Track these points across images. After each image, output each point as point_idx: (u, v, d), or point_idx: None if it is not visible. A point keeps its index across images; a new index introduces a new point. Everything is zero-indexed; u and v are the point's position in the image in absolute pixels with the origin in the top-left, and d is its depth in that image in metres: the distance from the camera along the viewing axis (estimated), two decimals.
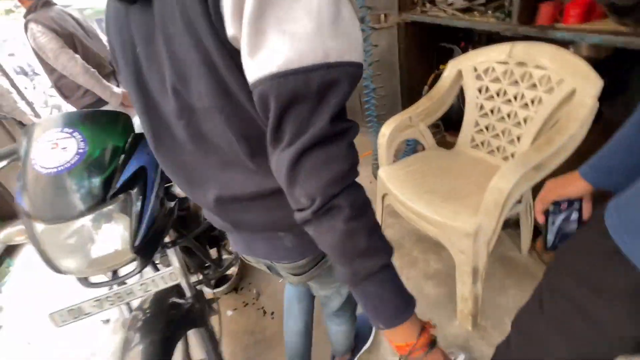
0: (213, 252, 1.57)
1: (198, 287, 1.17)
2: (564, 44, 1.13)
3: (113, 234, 0.74)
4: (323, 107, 0.38)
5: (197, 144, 0.52)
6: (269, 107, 0.38)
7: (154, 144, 0.58)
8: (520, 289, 1.40)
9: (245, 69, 0.39)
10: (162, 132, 0.55)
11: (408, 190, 1.30)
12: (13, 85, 2.68)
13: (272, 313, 1.57)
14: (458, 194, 1.22)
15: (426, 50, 2.06)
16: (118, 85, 1.97)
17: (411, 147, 2.19)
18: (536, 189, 0.87)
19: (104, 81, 1.82)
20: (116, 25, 0.51)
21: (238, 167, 0.52)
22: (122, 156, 0.77)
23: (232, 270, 1.80)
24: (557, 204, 0.69)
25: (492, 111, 1.37)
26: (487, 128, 1.41)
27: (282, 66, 0.35)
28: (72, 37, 1.72)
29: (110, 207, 0.72)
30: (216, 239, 1.56)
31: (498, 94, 1.33)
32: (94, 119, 0.78)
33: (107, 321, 1.74)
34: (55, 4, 1.78)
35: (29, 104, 2.81)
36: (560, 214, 0.70)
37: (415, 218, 1.26)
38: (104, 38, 2.01)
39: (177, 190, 0.87)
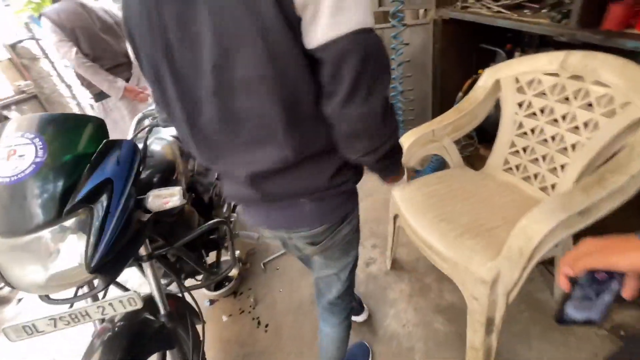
0: (213, 256, 1.53)
1: (192, 292, 1.12)
2: (636, 56, 0.90)
3: (69, 253, 0.68)
4: (385, 65, 0.52)
5: (228, 124, 0.56)
6: (345, 62, 0.47)
7: (188, 127, 0.59)
8: (547, 341, 1.19)
9: (320, 30, 0.46)
10: (196, 114, 0.57)
11: (421, 215, 1.14)
12: (54, 68, 2.81)
13: (267, 326, 1.49)
14: (479, 228, 1.04)
15: (465, 52, 1.82)
16: (129, 78, 1.99)
17: (439, 160, 1.98)
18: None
19: (104, 74, 1.86)
20: (142, 14, 0.51)
21: (266, 143, 0.57)
22: (87, 166, 0.70)
23: (233, 273, 1.75)
24: (592, 271, 0.50)
25: (532, 131, 1.16)
26: (524, 150, 1.20)
27: (361, 24, 0.46)
28: (74, 31, 1.77)
29: (65, 223, 0.66)
30: (215, 242, 1.50)
31: (542, 112, 1.11)
32: (61, 124, 0.71)
33: None
34: None
35: (68, 87, 2.94)
36: (595, 286, 0.52)
37: (426, 249, 1.11)
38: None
39: (152, 204, 0.79)
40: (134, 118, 0.93)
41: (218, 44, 0.48)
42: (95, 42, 1.84)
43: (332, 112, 0.52)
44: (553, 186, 1.09)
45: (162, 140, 1.23)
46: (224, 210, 1.77)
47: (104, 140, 0.74)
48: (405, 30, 1.83)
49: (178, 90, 0.55)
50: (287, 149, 0.56)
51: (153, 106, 0.93)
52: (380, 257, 1.70)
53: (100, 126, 0.75)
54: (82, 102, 3.09)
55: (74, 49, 1.77)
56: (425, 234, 1.08)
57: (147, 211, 0.82)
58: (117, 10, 2.05)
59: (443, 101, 1.98)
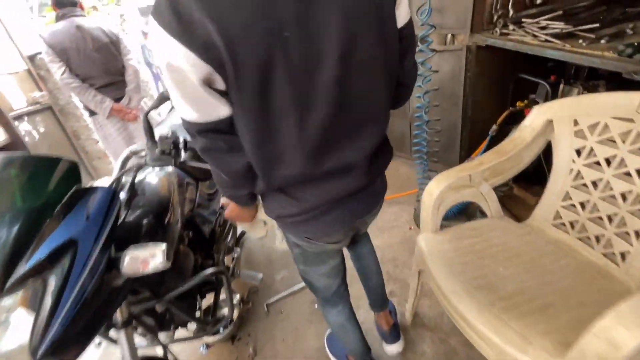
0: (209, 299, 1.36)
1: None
2: None
3: (13, 334, 0.53)
4: None
5: (343, 113, 0.57)
6: (413, 33, 0.67)
7: (297, 131, 0.57)
8: None
9: (405, 12, 0.61)
10: (307, 114, 0.56)
11: (454, 277, 0.95)
12: None
13: None
14: (529, 302, 0.84)
15: (500, 82, 1.66)
16: (122, 97, 2.05)
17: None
18: None
19: (92, 94, 1.93)
20: (250, 17, 0.47)
21: (372, 123, 0.64)
22: (48, 221, 0.56)
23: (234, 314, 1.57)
24: None
25: (594, 184, 0.96)
26: (582, 205, 1.00)
27: None
28: (65, 52, 1.84)
29: (4, 302, 0.51)
30: (213, 284, 1.34)
31: (609, 162, 0.92)
32: (21, 168, 0.58)
33: (99, 344, 1.62)
34: (71, 16, 1.89)
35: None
36: None
37: (459, 320, 0.91)
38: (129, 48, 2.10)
39: (127, 269, 0.64)
40: (119, 157, 0.80)
41: (347, 30, 0.51)
42: (86, 62, 1.89)
43: (409, 66, 0.69)
44: (623, 255, 0.89)
45: (161, 172, 1.10)
46: (229, 239, 1.62)
47: (74, 188, 0.60)
48: (433, 56, 1.68)
49: (293, 91, 0.53)
50: (385, 123, 0.67)
51: (143, 143, 0.80)
52: (399, 308, 1.49)
53: (71, 169, 0.62)
54: None
55: (62, 70, 1.85)
56: (459, 303, 0.89)
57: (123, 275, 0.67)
58: (117, 29, 2.09)
59: (473, 133, 1.80)
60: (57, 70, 1.87)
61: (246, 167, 0.60)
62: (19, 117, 2.49)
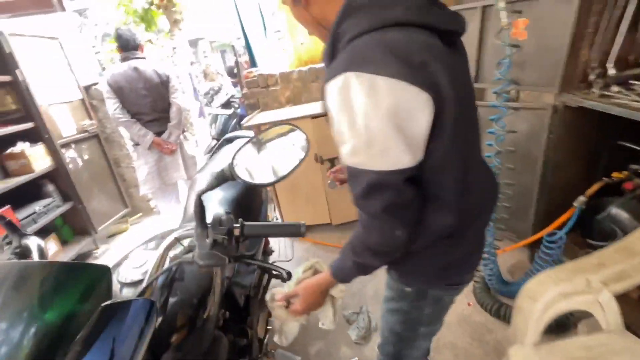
0: None
1: None
2: None
3: None
4: None
5: (476, 136, 0.68)
6: None
7: (474, 151, 0.68)
8: None
9: None
10: (473, 138, 0.67)
11: None
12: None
13: None
14: None
15: (591, 147, 1.42)
16: (163, 131, 2.25)
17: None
18: None
19: (136, 128, 2.16)
20: (453, 59, 0.57)
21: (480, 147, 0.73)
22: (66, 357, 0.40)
23: None
24: None
25: None
26: None
27: None
28: (121, 90, 2.11)
29: None
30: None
31: None
32: (42, 277, 0.43)
33: None
34: (132, 59, 2.13)
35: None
36: None
37: None
38: (179, 84, 2.32)
39: None
40: (162, 243, 0.66)
41: (471, 78, 0.67)
42: (137, 100, 2.14)
43: None
44: None
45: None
46: (269, 297, 1.42)
47: (101, 306, 0.44)
48: (508, 114, 1.49)
49: (470, 121, 0.64)
50: None
51: (191, 226, 0.66)
52: None
53: (100, 277, 0.46)
54: None
55: (115, 106, 2.12)
56: None
57: None
58: (169, 66, 2.38)
59: (550, 202, 1.55)
60: (112, 106, 2.14)
61: (415, 221, 0.59)
62: (67, 145, 2.53)
